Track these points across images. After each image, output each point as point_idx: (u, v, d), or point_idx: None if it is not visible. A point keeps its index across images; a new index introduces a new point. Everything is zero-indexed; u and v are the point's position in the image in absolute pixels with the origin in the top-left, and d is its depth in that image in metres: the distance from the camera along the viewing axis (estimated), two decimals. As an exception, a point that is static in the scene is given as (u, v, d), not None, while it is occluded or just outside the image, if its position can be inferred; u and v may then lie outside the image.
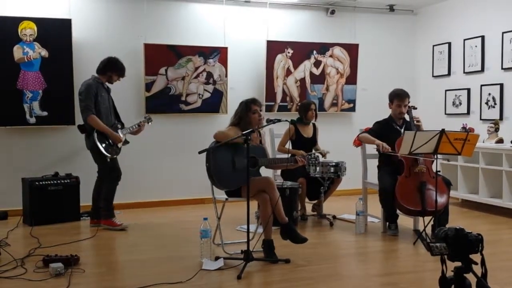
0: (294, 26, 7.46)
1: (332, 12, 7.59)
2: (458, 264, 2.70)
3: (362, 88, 7.72)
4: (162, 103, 6.78)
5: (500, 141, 6.35)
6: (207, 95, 6.97)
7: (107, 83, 5.59)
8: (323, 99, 7.55)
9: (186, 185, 6.94)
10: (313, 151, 5.90)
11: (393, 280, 3.85)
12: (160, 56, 6.70)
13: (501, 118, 6.61)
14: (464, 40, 7.16)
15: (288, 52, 7.31)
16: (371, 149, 5.52)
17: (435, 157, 4.76)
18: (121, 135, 5.54)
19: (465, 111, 7.17)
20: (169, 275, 3.86)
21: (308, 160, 4.66)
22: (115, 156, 5.51)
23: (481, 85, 6.89)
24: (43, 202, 5.73)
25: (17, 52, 6.12)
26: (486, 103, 6.83)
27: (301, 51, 7.38)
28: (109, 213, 5.53)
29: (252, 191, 4.21)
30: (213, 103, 7.00)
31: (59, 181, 5.89)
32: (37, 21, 6.16)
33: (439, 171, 5.10)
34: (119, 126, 5.62)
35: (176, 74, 6.81)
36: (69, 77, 6.27)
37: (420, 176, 4.95)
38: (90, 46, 6.47)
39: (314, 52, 7.45)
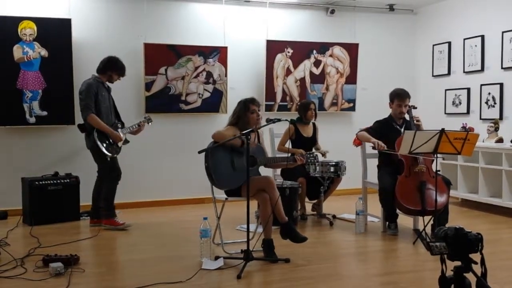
0: (294, 25, 7.46)
1: (332, 12, 7.59)
2: (458, 263, 2.70)
3: (362, 87, 7.72)
4: (162, 102, 6.78)
5: (500, 140, 6.35)
6: (207, 94, 6.97)
7: (107, 83, 5.59)
8: (323, 99, 7.55)
9: (186, 185, 6.94)
10: (313, 150, 5.90)
11: (393, 280, 3.85)
12: (160, 56, 6.70)
13: (501, 117, 6.61)
14: (464, 39, 7.16)
15: (288, 52, 7.31)
16: (371, 148, 5.52)
17: (435, 156, 4.75)
18: (121, 135, 5.54)
19: (465, 111, 7.17)
20: (169, 275, 3.86)
21: (307, 158, 4.66)
22: (115, 156, 5.51)
23: (481, 85, 6.88)
24: (43, 201, 5.73)
25: (17, 51, 6.12)
26: (486, 103, 6.83)
27: (301, 50, 7.38)
28: (110, 212, 5.53)
29: (252, 190, 4.21)
30: (213, 103, 7.00)
31: (59, 181, 5.89)
32: (37, 20, 6.16)
33: (439, 171, 5.10)
34: (119, 125, 5.62)
35: (176, 73, 6.81)
36: (68, 77, 6.27)
37: (420, 175, 4.95)
38: (90, 46, 6.46)
39: (314, 51, 7.45)
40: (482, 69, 6.92)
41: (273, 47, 7.22)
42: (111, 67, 5.52)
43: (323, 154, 5.90)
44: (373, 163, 5.56)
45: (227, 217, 5.00)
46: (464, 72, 7.21)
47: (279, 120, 4.31)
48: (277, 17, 7.37)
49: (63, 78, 6.26)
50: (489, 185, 6.32)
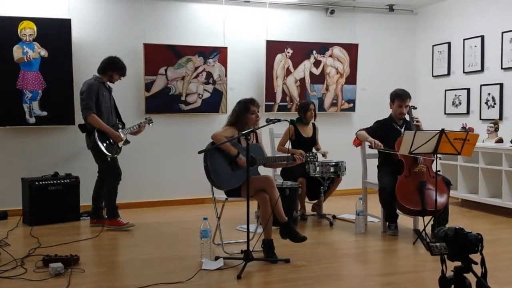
0: (293, 26, 7.46)
1: (332, 12, 7.59)
2: (458, 263, 2.70)
3: (362, 88, 7.72)
4: (162, 103, 6.78)
5: (500, 141, 6.35)
6: (206, 95, 6.97)
7: (108, 83, 5.58)
8: (323, 99, 7.55)
9: (186, 185, 6.94)
10: (314, 151, 5.90)
11: (393, 280, 3.85)
12: (160, 56, 6.70)
13: (500, 118, 6.61)
14: (464, 40, 7.16)
15: (288, 52, 7.31)
16: (370, 149, 5.52)
17: (435, 156, 4.75)
18: (122, 135, 5.54)
19: (465, 111, 7.17)
20: (168, 275, 3.86)
21: (306, 157, 4.66)
22: (115, 156, 5.51)
23: (481, 85, 6.89)
24: (43, 202, 5.73)
25: (17, 52, 6.11)
26: (486, 103, 6.83)
27: (301, 51, 7.38)
28: (113, 213, 5.52)
29: (251, 190, 4.21)
30: (213, 103, 7.00)
31: (59, 181, 5.89)
32: (37, 21, 6.16)
33: (439, 171, 5.10)
34: (120, 125, 5.62)
35: (175, 74, 6.81)
36: (68, 77, 6.27)
37: (420, 175, 4.95)
38: (89, 46, 6.46)
39: (314, 52, 7.45)
40: (482, 70, 6.92)
41: (273, 48, 7.22)
42: (112, 67, 5.52)
43: (324, 155, 5.90)
44: (373, 163, 5.55)
45: (227, 217, 5.00)
46: (464, 72, 7.21)
47: (278, 120, 4.31)
48: (277, 17, 7.37)
49: (63, 78, 6.26)
50: (489, 185, 6.32)
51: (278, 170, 5.99)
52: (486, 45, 6.87)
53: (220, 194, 4.62)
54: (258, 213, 4.86)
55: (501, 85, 6.62)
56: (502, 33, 6.57)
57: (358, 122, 6.90)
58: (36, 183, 5.77)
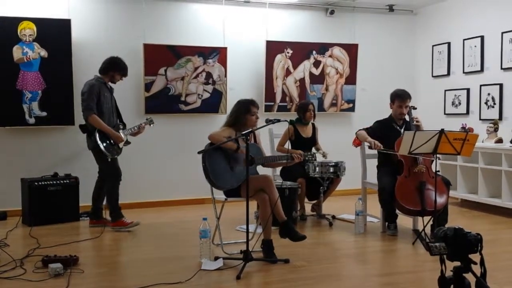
0: (293, 26, 7.46)
1: (332, 12, 7.59)
2: (457, 264, 2.70)
3: (361, 88, 7.72)
4: (162, 103, 6.78)
5: (500, 141, 6.35)
6: (206, 95, 6.97)
7: (110, 83, 5.58)
8: (323, 99, 7.55)
9: (186, 185, 6.94)
10: (314, 151, 5.89)
11: (392, 280, 3.85)
12: (160, 56, 6.70)
13: (500, 118, 6.61)
14: (464, 40, 7.16)
15: (288, 52, 7.31)
16: (370, 149, 5.52)
17: (434, 157, 4.75)
18: (123, 135, 5.54)
19: (465, 111, 7.17)
20: (168, 275, 3.86)
21: (304, 156, 4.66)
22: (116, 156, 5.50)
23: (481, 85, 6.89)
24: (42, 202, 5.73)
25: (17, 52, 6.11)
26: (486, 103, 6.83)
27: (301, 51, 7.38)
28: (116, 214, 5.50)
29: (251, 189, 4.20)
30: (213, 103, 7.00)
31: (58, 182, 5.89)
32: (37, 21, 6.16)
33: (439, 171, 5.10)
34: (121, 126, 5.61)
35: (175, 74, 6.81)
36: (68, 77, 6.27)
37: (419, 176, 4.95)
38: (89, 46, 6.47)
39: (314, 52, 7.45)
40: (482, 70, 6.92)
41: (273, 48, 7.22)
42: (114, 67, 5.51)
43: (324, 155, 5.89)
44: (372, 164, 5.55)
45: (226, 217, 5.00)
46: (463, 72, 7.21)
47: (278, 120, 4.32)
48: (277, 17, 7.37)
49: (63, 79, 6.26)
50: (489, 185, 6.32)
51: (278, 170, 5.99)
52: (486, 45, 6.87)
53: (220, 195, 4.62)
54: (257, 213, 4.86)
55: (500, 85, 6.62)
56: (502, 33, 6.57)
57: (358, 123, 6.89)
58: (36, 183, 5.77)
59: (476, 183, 6.43)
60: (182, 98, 6.87)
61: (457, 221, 5.46)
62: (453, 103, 7.38)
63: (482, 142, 6.42)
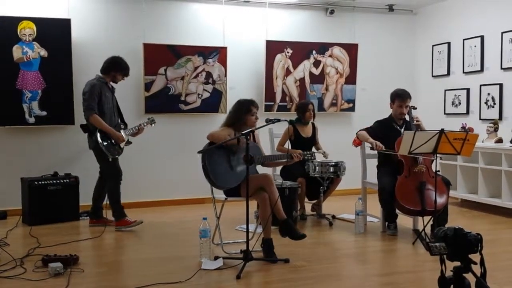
0: (293, 26, 7.46)
1: (332, 12, 7.59)
2: (457, 264, 2.70)
3: (361, 88, 7.72)
4: (162, 103, 6.78)
5: (499, 141, 6.35)
6: (206, 95, 6.97)
7: (111, 83, 5.58)
8: (323, 99, 7.55)
9: (186, 185, 6.94)
10: (314, 150, 5.89)
11: (392, 280, 3.85)
12: (160, 56, 6.70)
13: (500, 118, 6.61)
14: (464, 40, 7.16)
15: (288, 52, 7.31)
16: (370, 149, 5.52)
17: (434, 156, 4.75)
18: (124, 135, 5.54)
19: (465, 111, 7.17)
20: (168, 275, 3.86)
21: (304, 155, 4.66)
22: (117, 156, 5.50)
23: (481, 85, 6.88)
24: (42, 202, 5.73)
25: (16, 52, 6.11)
26: (486, 103, 6.83)
27: (301, 51, 7.38)
28: (118, 213, 5.49)
29: (251, 188, 4.20)
30: (213, 103, 7.00)
31: (58, 181, 5.89)
32: (37, 21, 6.16)
33: (439, 171, 5.10)
34: (122, 126, 5.61)
35: (175, 74, 6.81)
36: (68, 77, 6.27)
37: (419, 176, 4.95)
38: (89, 46, 6.46)
39: (314, 52, 7.45)
40: (482, 70, 6.92)
41: (273, 47, 7.22)
42: (115, 67, 5.51)
43: (324, 155, 5.89)
44: (372, 164, 5.55)
45: (226, 217, 5.00)
46: (463, 72, 7.21)
47: (278, 120, 4.32)
48: (277, 17, 7.37)
49: (63, 78, 6.26)
50: (489, 185, 6.32)
51: (278, 170, 5.99)
52: (486, 45, 6.87)
53: (220, 194, 4.62)
54: (257, 213, 4.86)
55: (500, 85, 6.62)
56: (502, 33, 6.57)
57: (358, 122, 6.90)
58: (36, 183, 5.77)
59: (476, 183, 6.43)
60: (182, 98, 6.87)
61: (457, 221, 5.46)
62: (453, 103, 7.38)
63: (482, 142, 6.42)
